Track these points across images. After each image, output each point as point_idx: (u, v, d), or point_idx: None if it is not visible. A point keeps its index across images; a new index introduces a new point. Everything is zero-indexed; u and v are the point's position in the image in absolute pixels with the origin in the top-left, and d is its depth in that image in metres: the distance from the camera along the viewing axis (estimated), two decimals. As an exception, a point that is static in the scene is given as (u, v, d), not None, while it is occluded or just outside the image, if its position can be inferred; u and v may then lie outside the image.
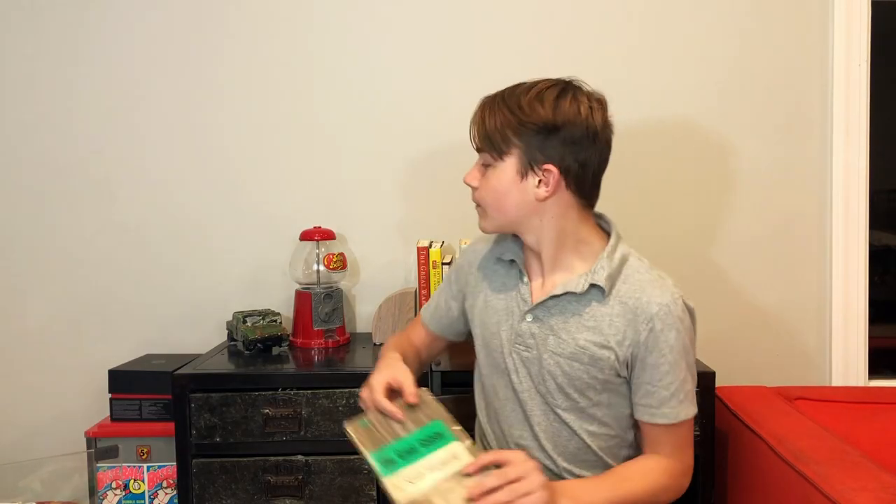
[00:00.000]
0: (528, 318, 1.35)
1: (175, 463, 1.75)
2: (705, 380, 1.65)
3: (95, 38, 2.09)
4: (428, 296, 1.93)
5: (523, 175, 1.29)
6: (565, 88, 1.29)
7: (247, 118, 2.11)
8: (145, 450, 1.92)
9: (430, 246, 1.99)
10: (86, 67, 2.10)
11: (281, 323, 1.98)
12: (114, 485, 1.92)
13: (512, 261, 1.41)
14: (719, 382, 1.71)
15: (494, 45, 2.08)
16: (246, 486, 1.73)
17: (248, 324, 1.95)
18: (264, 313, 1.98)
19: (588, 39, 2.07)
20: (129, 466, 1.92)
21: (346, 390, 1.73)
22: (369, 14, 2.08)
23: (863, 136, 2.06)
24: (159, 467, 1.92)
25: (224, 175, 2.13)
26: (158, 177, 2.13)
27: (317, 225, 2.07)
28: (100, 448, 1.92)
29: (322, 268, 2.03)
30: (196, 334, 2.12)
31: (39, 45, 2.09)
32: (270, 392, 1.73)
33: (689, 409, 1.31)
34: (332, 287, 2.04)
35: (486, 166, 1.32)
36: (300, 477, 1.72)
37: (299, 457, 1.73)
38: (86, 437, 1.94)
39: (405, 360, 1.42)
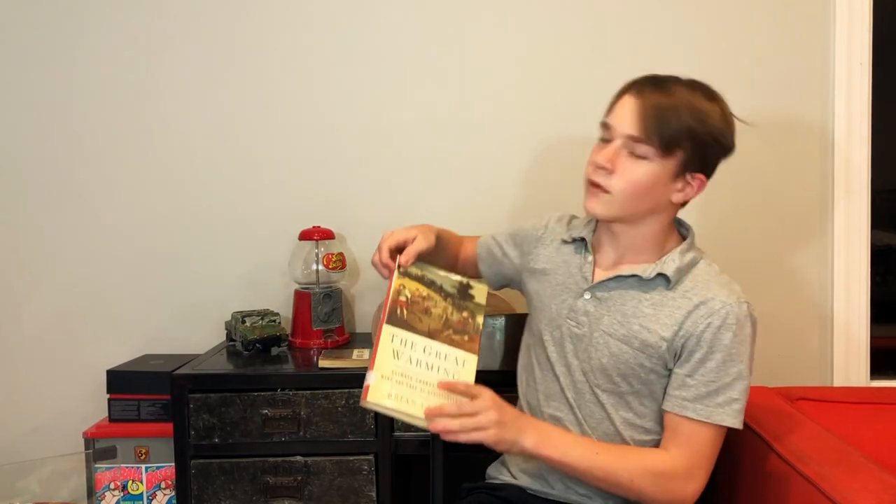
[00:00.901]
0: (587, 295, 1.37)
1: (173, 464, 1.75)
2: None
3: (81, 31, 2.08)
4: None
5: (675, 177, 1.31)
6: (718, 97, 1.32)
7: (246, 115, 2.11)
8: (143, 450, 1.93)
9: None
10: (78, 61, 2.09)
11: (280, 323, 1.99)
12: (112, 486, 1.92)
13: (580, 239, 1.43)
14: None
15: (494, 44, 2.08)
16: (245, 486, 1.73)
17: (247, 324, 1.95)
18: (263, 313, 1.98)
19: (582, 36, 2.07)
20: (127, 467, 1.93)
21: (346, 391, 1.73)
22: (370, 11, 2.08)
23: (864, 134, 2.06)
24: (158, 468, 1.92)
25: (222, 173, 2.12)
26: (156, 176, 2.13)
27: (316, 224, 2.06)
28: (98, 449, 1.92)
29: (321, 267, 2.03)
30: (194, 334, 2.12)
31: (20, 39, 2.09)
32: (269, 393, 1.73)
33: (725, 417, 1.28)
34: (331, 287, 2.04)
35: (633, 155, 1.29)
36: (299, 478, 1.73)
37: (298, 458, 1.73)
38: (84, 438, 1.94)
39: (440, 242, 1.42)
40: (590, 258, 1.40)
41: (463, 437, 1.20)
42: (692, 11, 2.07)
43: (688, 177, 1.31)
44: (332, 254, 2.03)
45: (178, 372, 1.76)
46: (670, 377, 1.32)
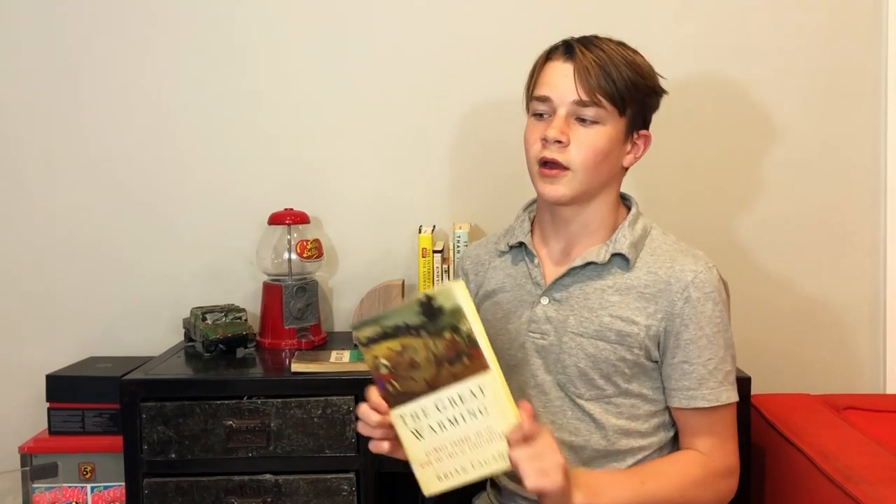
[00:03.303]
0: (544, 300, 1.41)
1: (123, 483, 1.75)
2: (739, 386, 1.60)
3: (27, 2, 2.10)
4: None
5: (626, 138, 1.39)
6: (634, 48, 1.41)
7: (206, 85, 2.12)
8: (89, 468, 1.92)
9: (420, 231, 2.00)
10: (17, 31, 2.10)
11: (246, 320, 1.99)
12: (52, 508, 1.93)
13: (518, 245, 1.47)
14: (755, 389, 1.72)
15: (481, 8, 2.10)
16: (206, 509, 1.73)
17: (209, 321, 1.95)
18: (227, 309, 1.98)
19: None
20: (70, 487, 1.92)
21: (322, 399, 1.73)
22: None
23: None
24: (105, 488, 1.92)
25: (179, 150, 2.13)
26: (103, 153, 2.13)
27: (288, 207, 2.07)
28: (36, 466, 1.92)
29: (294, 256, 2.03)
30: (148, 334, 2.13)
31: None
32: (234, 401, 1.73)
33: (731, 393, 1.37)
34: (305, 279, 2.04)
35: (583, 122, 1.35)
36: (269, 499, 1.73)
37: (268, 476, 1.74)
38: (20, 454, 1.93)
39: None
40: (535, 260, 1.44)
41: (531, 483, 1.17)
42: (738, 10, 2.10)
43: (635, 136, 1.40)
44: (307, 240, 2.03)
45: (128, 377, 1.75)
46: (663, 368, 1.38)
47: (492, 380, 1.18)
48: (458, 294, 1.16)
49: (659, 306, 1.36)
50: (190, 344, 2.02)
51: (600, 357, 1.36)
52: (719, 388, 1.36)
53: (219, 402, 1.73)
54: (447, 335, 1.18)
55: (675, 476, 1.34)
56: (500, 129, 2.05)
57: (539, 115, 1.39)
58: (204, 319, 1.96)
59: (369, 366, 1.24)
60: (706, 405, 1.36)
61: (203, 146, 2.13)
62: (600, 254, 1.38)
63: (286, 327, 1.99)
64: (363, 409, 1.26)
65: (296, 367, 1.78)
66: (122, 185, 2.13)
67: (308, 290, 2.02)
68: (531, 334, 1.41)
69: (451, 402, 1.19)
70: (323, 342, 2.04)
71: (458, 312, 1.17)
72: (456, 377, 1.18)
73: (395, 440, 1.25)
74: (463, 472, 1.21)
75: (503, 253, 1.50)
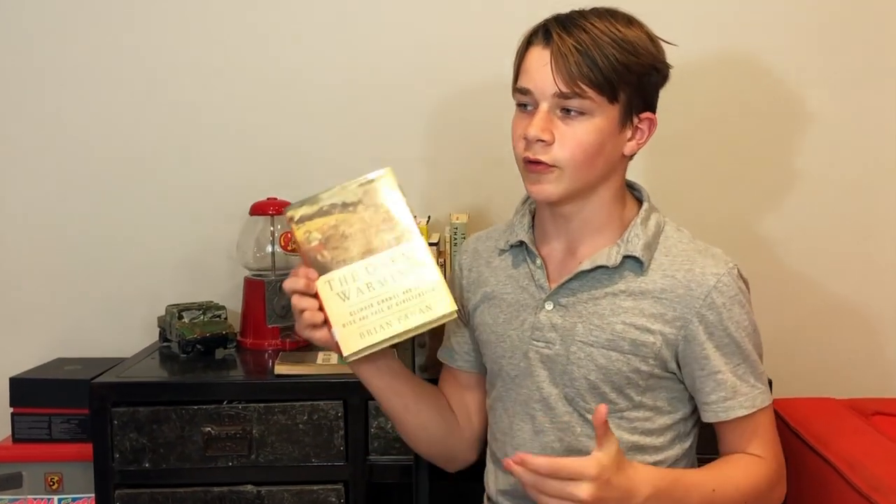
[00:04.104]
0: (548, 305, 1.39)
1: (93, 495, 1.75)
2: (759, 390, 1.66)
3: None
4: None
5: (623, 125, 1.34)
6: (636, 20, 1.35)
7: (184, 61, 2.11)
8: (56, 478, 1.91)
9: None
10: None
11: (226, 319, 2.00)
12: (16, 522, 1.93)
13: (519, 244, 1.45)
14: (777, 393, 1.66)
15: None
16: (182, 523, 1.74)
17: (186, 320, 1.95)
18: (205, 307, 1.98)
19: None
20: (35, 499, 1.92)
21: (309, 404, 1.73)
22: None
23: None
24: (73, 500, 1.91)
25: (154, 135, 2.12)
26: (69, 139, 2.12)
27: (271, 196, 2.05)
28: (-2, 476, 1.92)
29: (278, 249, 2.02)
30: (119, 333, 2.12)
31: None
32: (213, 406, 1.73)
33: (765, 396, 1.38)
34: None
35: (568, 114, 1.31)
36: (250, 512, 1.74)
37: (249, 487, 1.74)
38: (-19, 463, 1.93)
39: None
40: (538, 261, 1.42)
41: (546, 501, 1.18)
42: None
43: (635, 120, 1.35)
44: (291, 232, 1.99)
45: (98, 380, 1.76)
46: (689, 382, 1.37)
47: (419, 245, 1.34)
48: (392, 176, 1.38)
49: (678, 313, 1.33)
50: (165, 344, 2.02)
51: (612, 368, 1.34)
52: (754, 391, 1.36)
53: (196, 407, 1.73)
54: (383, 210, 1.36)
55: (743, 480, 1.32)
56: (502, 111, 2.00)
57: (523, 107, 1.36)
58: (180, 318, 1.95)
59: (299, 239, 1.36)
60: (745, 412, 1.35)
61: (180, 130, 2.12)
62: (611, 256, 1.35)
63: (269, 326, 1.98)
64: (290, 280, 1.33)
65: (279, 369, 1.78)
66: (92, 173, 2.12)
67: (293, 286, 2.01)
68: (535, 342, 1.39)
69: (381, 265, 1.33)
70: (308, 342, 1.99)
71: (391, 189, 1.38)
72: (388, 244, 1.34)
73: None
74: (388, 326, 1.30)
75: (503, 251, 1.49)
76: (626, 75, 1.30)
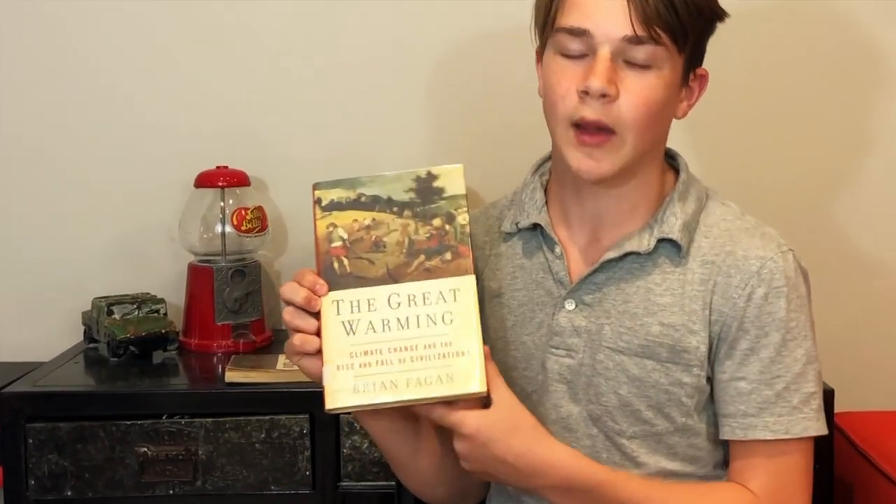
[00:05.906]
0: (568, 304, 1.32)
1: (4, 529, 1.73)
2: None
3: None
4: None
5: (684, 81, 1.30)
6: None
7: (113, 6, 2.07)
8: (-42, 508, 1.87)
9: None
10: None
11: (166, 315, 1.98)
12: (-90, 563, 1.88)
13: (533, 227, 1.38)
14: (840, 406, 1.70)
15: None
16: (113, 565, 1.74)
17: (116, 316, 1.93)
18: (140, 300, 1.97)
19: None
20: (-67, 534, 1.88)
21: (267, 418, 1.71)
22: None
23: None
24: (-20, 535, 1.88)
25: (76, 92, 2.10)
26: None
27: (221, 164, 2.03)
28: None
29: (230, 229, 2.01)
30: (35, 332, 2.11)
31: None
32: (150, 421, 1.71)
33: (809, 423, 1.28)
34: (245, 259, 2.03)
35: (631, 65, 1.24)
36: (196, 551, 1.73)
37: None
38: None
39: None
40: (557, 249, 1.35)
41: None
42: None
43: (690, 77, 1.33)
44: (246, 208, 2.00)
45: (9, 389, 1.75)
46: (713, 385, 1.31)
47: (471, 286, 1.20)
48: (462, 179, 1.24)
49: (714, 307, 1.28)
50: (91, 346, 2.00)
51: (649, 382, 1.28)
52: (792, 415, 1.26)
53: (130, 422, 1.71)
54: (436, 222, 1.22)
55: None
56: (495, 65, 2.05)
57: (567, 56, 1.26)
58: (110, 314, 1.93)
59: (318, 232, 1.23)
60: (769, 437, 1.26)
61: (110, 87, 2.10)
62: (643, 241, 1.29)
63: (219, 323, 1.97)
64: (289, 287, 1.22)
65: (231, 376, 1.76)
66: (2, 135, 2.11)
67: (248, 275, 2.00)
68: (554, 350, 1.33)
69: (409, 300, 1.20)
70: (267, 343, 2.02)
71: (459, 200, 1.23)
72: (428, 273, 1.21)
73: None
74: (392, 387, 1.17)
75: (510, 235, 1.42)
76: (698, 20, 1.26)
